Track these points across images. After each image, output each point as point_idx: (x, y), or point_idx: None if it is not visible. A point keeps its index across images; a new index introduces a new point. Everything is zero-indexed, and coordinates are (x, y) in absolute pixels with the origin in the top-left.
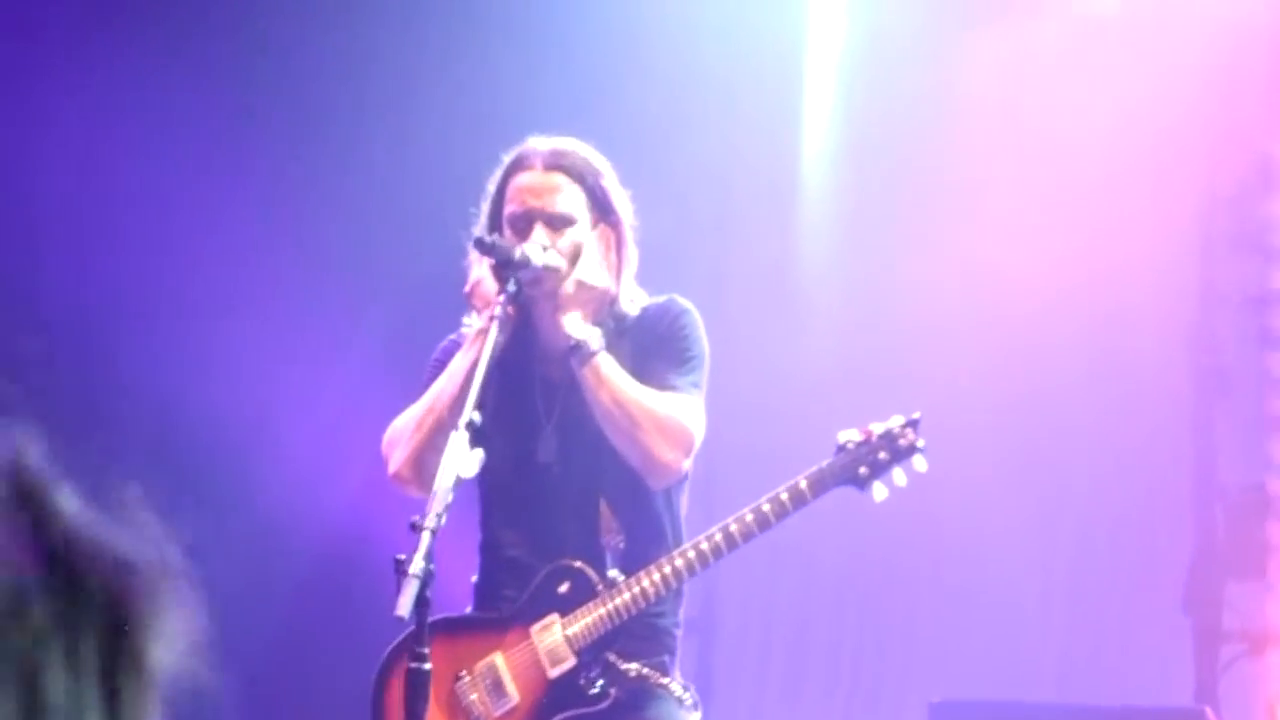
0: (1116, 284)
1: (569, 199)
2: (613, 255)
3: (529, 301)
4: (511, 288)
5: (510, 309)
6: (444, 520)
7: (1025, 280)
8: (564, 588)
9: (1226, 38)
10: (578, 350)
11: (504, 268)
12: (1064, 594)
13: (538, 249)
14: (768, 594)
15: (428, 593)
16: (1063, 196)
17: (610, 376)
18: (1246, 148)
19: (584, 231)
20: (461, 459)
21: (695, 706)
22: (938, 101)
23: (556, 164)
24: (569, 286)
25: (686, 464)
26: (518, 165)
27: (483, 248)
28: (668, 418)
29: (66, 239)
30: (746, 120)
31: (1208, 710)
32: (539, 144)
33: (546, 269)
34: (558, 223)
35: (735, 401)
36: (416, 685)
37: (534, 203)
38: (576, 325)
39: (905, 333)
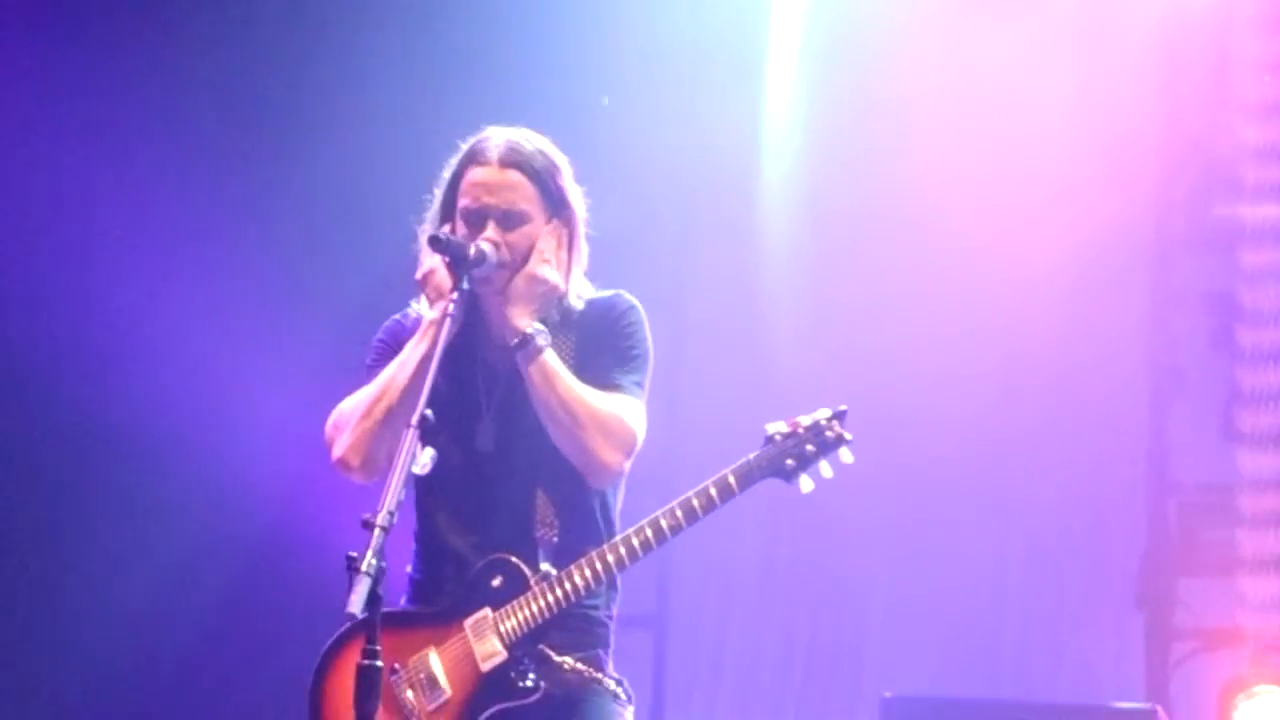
0: (1073, 284)
1: (523, 196)
2: (564, 251)
3: (481, 295)
4: (465, 285)
5: (447, 284)
6: (395, 518)
7: (982, 280)
8: (497, 581)
9: (1178, 45)
10: (524, 346)
11: (457, 264)
12: (1017, 591)
13: (491, 247)
14: (722, 589)
15: (379, 590)
16: (1019, 199)
17: (556, 374)
18: (1199, 151)
19: (537, 228)
20: (415, 456)
21: (629, 700)
22: (896, 101)
23: (512, 160)
24: (519, 281)
25: (627, 465)
26: (473, 158)
27: (437, 245)
28: (611, 418)
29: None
30: (708, 115)
31: (1159, 709)
32: (495, 137)
33: (500, 266)
34: (512, 220)
35: (691, 396)
36: (368, 682)
37: (488, 200)
38: (524, 320)
39: (863, 329)
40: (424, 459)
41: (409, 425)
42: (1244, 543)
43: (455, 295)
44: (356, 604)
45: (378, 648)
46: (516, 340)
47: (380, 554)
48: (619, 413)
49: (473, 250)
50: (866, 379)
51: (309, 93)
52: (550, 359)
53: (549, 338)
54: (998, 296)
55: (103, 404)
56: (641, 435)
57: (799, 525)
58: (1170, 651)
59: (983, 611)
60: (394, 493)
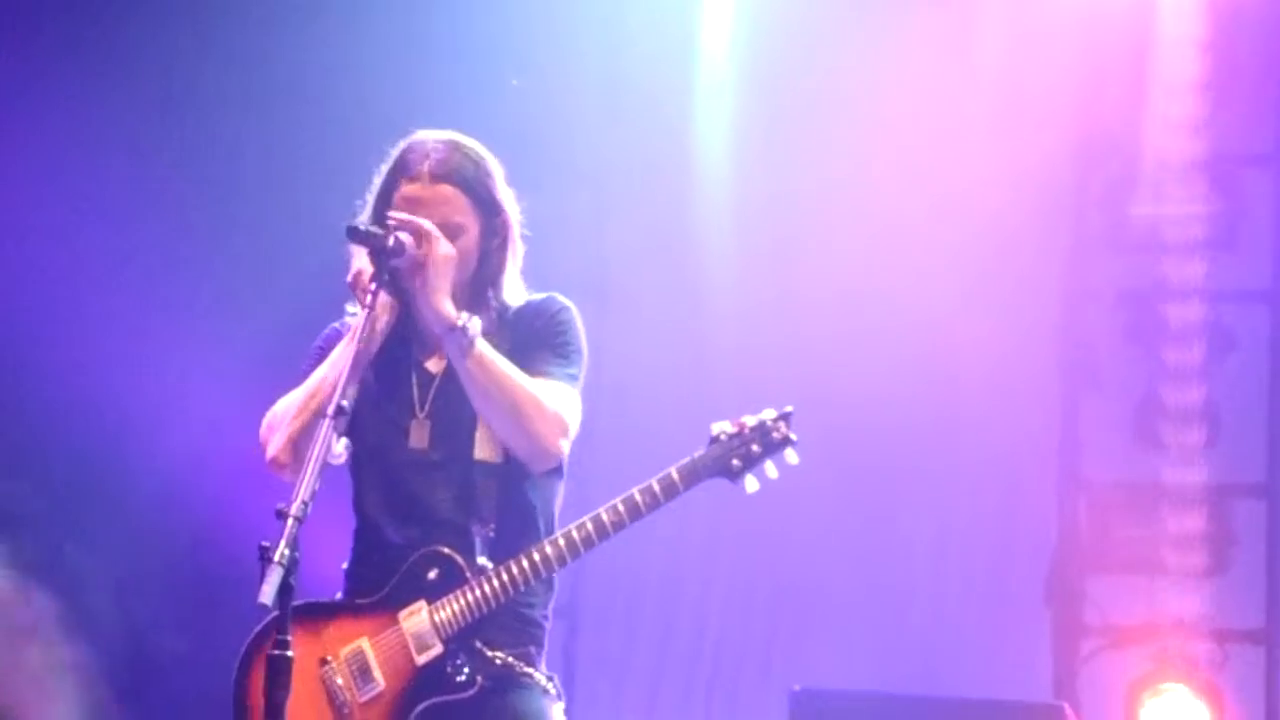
0: (988, 280)
1: (455, 209)
2: (500, 253)
3: (407, 290)
4: (385, 276)
5: (389, 297)
6: (309, 508)
7: (899, 273)
8: (432, 574)
9: (1097, 43)
10: (456, 334)
11: (378, 256)
12: (927, 585)
13: (409, 237)
14: (633, 582)
15: (291, 580)
16: (939, 192)
17: (489, 360)
18: (1116, 150)
19: (472, 237)
20: (329, 446)
21: (559, 697)
22: (822, 91)
23: (442, 173)
24: (429, 271)
25: (564, 447)
26: (403, 171)
27: (356, 236)
28: (545, 400)
29: None
30: (638, 110)
31: (1066, 705)
32: (425, 148)
33: (419, 255)
34: (446, 234)
35: (623, 393)
36: (277, 671)
37: (421, 215)
38: (449, 307)
39: (783, 323)
40: (338, 449)
41: (324, 416)
42: (1153, 541)
43: (374, 286)
44: (268, 594)
45: (288, 638)
46: (447, 330)
47: (293, 544)
48: (552, 396)
49: (391, 241)
50: (779, 373)
51: (236, 87)
52: (482, 345)
53: (479, 325)
54: (912, 290)
55: (38, 400)
56: (575, 421)
57: (709, 519)
58: (1078, 648)
59: (892, 606)
60: (308, 483)
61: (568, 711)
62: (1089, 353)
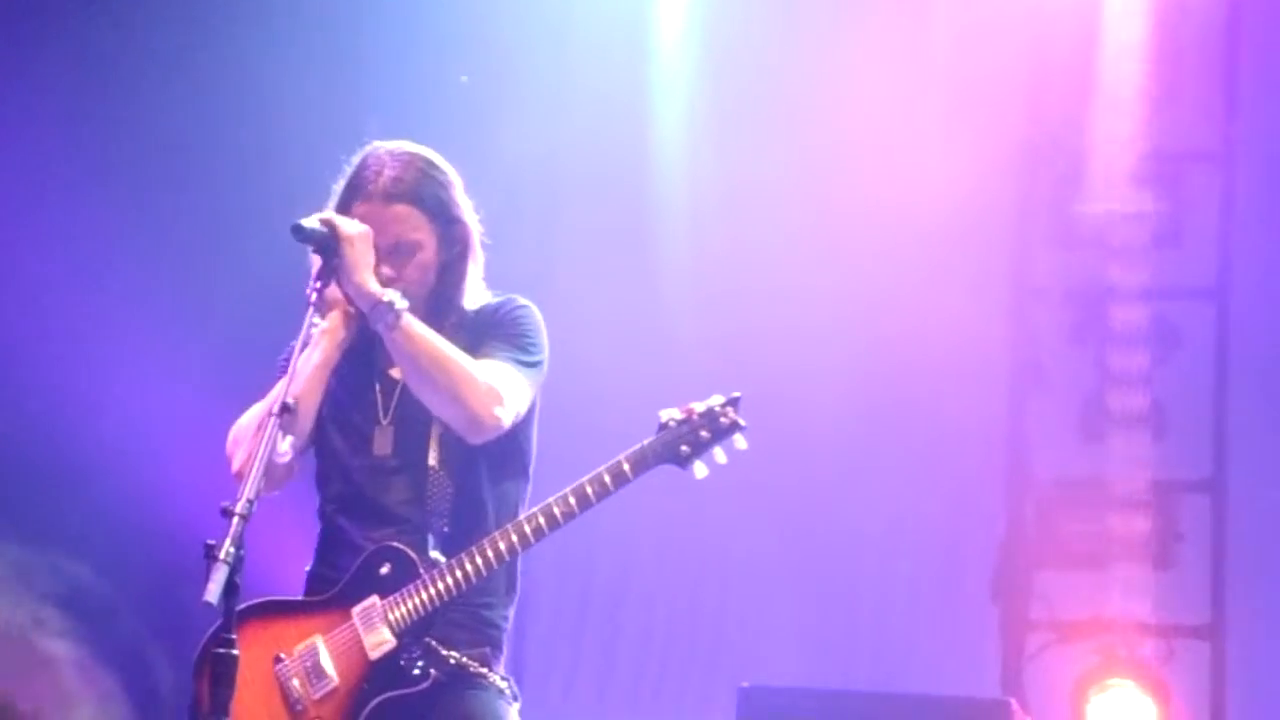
0: (937, 278)
1: (411, 227)
2: (459, 264)
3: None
4: (330, 272)
5: (352, 307)
6: (254, 506)
7: (845, 268)
8: (385, 569)
9: (1042, 43)
10: (381, 309)
11: (323, 252)
12: (874, 581)
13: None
14: (580, 578)
15: (237, 579)
16: (888, 191)
17: (417, 334)
18: (1061, 148)
19: (430, 251)
20: (274, 444)
21: (515, 698)
22: (773, 94)
23: (396, 192)
24: (345, 252)
25: (502, 419)
26: (358, 189)
27: (299, 234)
28: (481, 371)
29: None
30: (589, 104)
31: (1013, 701)
32: (378, 165)
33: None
34: (401, 251)
35: (576, 388)
36: (222, 670)
37: (376, 237)
38: (373, 285)
39: (735, 317)
40: (284, 446)
41: (270, 414)
42: (1100, 537)
43: (319, 284)
44: (214, 592)
45: (233, 636)
46: (371, 305)
47: (239, 542)
48: (488, 370)
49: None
50: (729, 366)
51: (187, 87)
52: (410, 319)
53: (406, 301)
54: (861, 286)
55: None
56: (514, 397)
57: (657, 514)
58: (1025, 644)
59: (840, 602)
60: (254, 481)
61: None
62: (1036, 350)
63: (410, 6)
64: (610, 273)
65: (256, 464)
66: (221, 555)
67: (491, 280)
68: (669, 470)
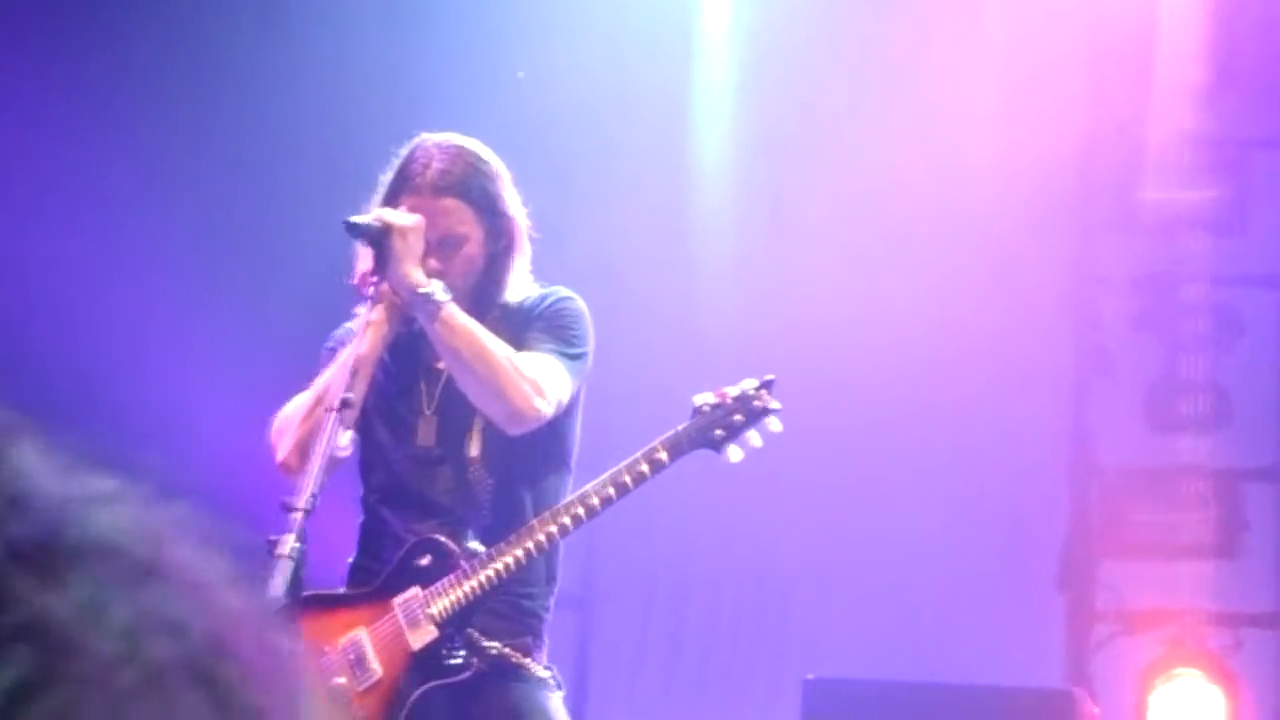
0: (1000, 266)
1: (458, 220)
2: (505, 257)
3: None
4: (384, 266)
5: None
6: (317, 501)
7: (907, 256)
8: (426, 560)
9: (1102, 28)
10: (422, 299)
11: (376, 246)
12: (939, 572)
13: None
14: (645, 572)
15: (301, 574)
16: (946, 181)
17: (461, 325)
18: (1123, 133)
19: (476, 244)
20: (335, 439)
21: (558, 686)
22: (826, 77)
23: (444, 185)
24: (394, 243)
25: (543, 410)
26: (405, 182)
27: (354, 230)
28: (522, 363)
29: None
30: (637, 104)
31: (1079, 691)
32: (426, 158)
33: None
34: (448, 245)
35: (626, 382)
36: None
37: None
38: (417, 275)
39: (790, 306)
40: (344, 441)
41: (329, 410)
42: (1166, 525)
43: (375, 279)
44: (278, 586)
45: (298, 630)
46: (414, 295)
47: (301, 537)
48: (530, 362)
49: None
50: (789, 357)
51: (240, 83)
52: (453, 309)
53: (448, 292)
54: (923, 278)
55: (43, 402)
56: (556, 389)
57: (721, 509)
58: (1091, 634)
59: (905, 594)
60: (315, 476)
61: (583, 704)
62: (1100, 337)
63: (468, 3)
64: (664, 268)
65: (317, 459)
66: (285, 551)
67: (544, 273)
68: (706, 455)
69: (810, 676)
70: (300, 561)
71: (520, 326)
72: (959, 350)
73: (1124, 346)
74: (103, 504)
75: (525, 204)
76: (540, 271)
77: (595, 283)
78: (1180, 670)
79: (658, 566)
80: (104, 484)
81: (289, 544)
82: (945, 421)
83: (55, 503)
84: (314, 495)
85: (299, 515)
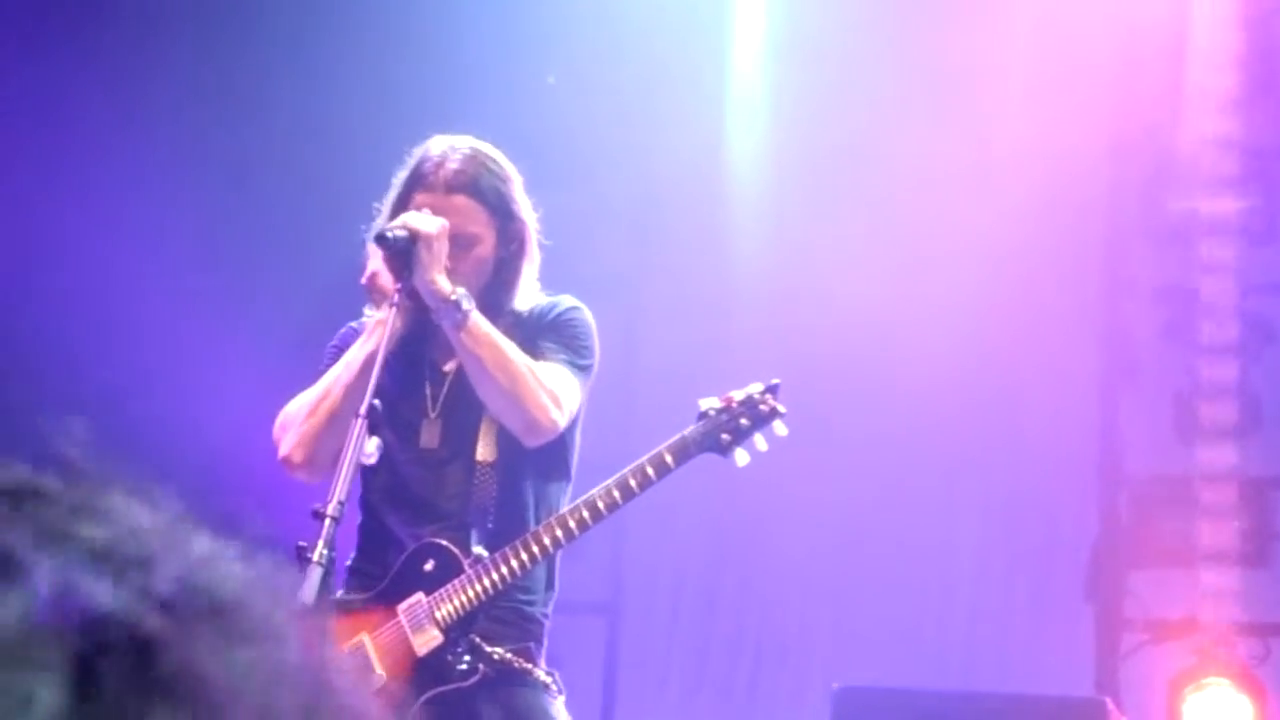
0: (1028, 276)
1: (470, 219)
2: (515, 260)
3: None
4: (409, 275)
5: (408, 299)
6: (345, 508)
7: (934, 267)
8: (429, 565)
9: (1131, 35)
10: (449, 308)
11: (399, 259)
12: (967, 581)
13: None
14: (674, 580)
15: (331, 580)
16: (973, 189)
17: (484, 334)
18: (1152, 142)
19: (488, 245)
20: (362, 446)
21: (559, 691)
22: (857, 86)
23: (458, 184)
24: (420, 251)
25: (559, 421)
26: (419, 181)
27: (382, 243)
28: (543, 375)
29: None
30: (670, 116)
31: (1108, 700)
32: (440, 157)
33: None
34: (460, 244)
35: (657, 388)
36: None
37: None
38: (444, 284)
39: (818, 315)
40: (370, 448)
41: (357, 416)
42: (1195, 534)
43: (399, 285)
44: (309, 594)
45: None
46: (440, 303)
47: (331, 544)
48: (547, 373)
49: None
50: (820, 362)
51: (269, 90)
52: (477, 319)
53: (473, 301)
54: (949, 284)
55: (64, 398)
56: (570, 401)
57: (750, 516)
58: (1120, 643)
59: (932, 602)
60: (344, 482)
61: (611, 711)
62: (1127, 346)
63: (499, 7)
64: (696, 275)
65: (346, 466)
66: (315, 557)
67: (574, 280)
68: (714, 460)
69: (839, 685)
70: (329, 569)
71: (530, 335)
72: (987, 358)
73: (1152, 355)
74: (219, 562)
75: (552, 209)
76: (572, 276)
77: (628, 287)
78: (1209, 679)
79: (686, 573)
80: (209, 541)
81: (319, 551)
82: (973, 429)
83: (184, 564)
84: (342, 502)
85: (330, 523)
